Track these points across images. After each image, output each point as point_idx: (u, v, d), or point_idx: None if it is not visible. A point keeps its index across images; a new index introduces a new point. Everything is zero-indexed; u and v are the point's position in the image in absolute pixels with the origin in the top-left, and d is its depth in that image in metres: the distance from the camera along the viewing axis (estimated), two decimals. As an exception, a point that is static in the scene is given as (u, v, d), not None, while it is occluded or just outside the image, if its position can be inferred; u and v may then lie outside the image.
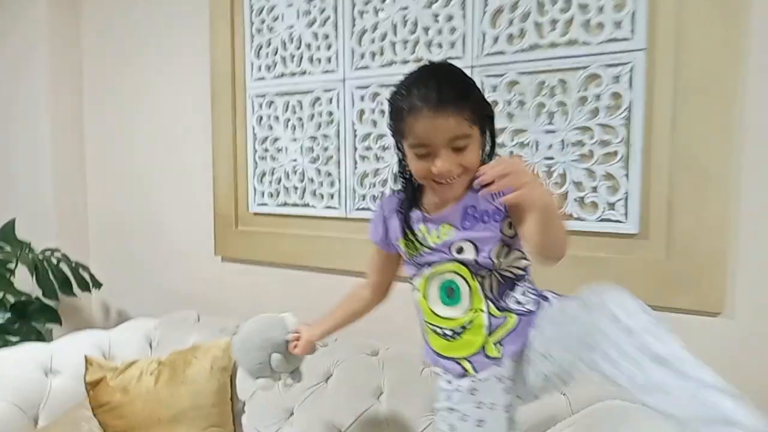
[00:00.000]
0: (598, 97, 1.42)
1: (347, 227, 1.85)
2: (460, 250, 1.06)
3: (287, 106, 1.94)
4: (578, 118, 1.45)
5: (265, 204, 2.03)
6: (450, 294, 1.09)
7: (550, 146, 1.49)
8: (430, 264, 1.10)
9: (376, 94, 1.76)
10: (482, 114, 1.03)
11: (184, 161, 2.22)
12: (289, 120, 1.95)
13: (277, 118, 1.97)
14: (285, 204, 1.98)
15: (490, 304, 1.05)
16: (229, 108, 2.05)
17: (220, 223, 2.12)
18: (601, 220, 1.45)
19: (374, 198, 1.78)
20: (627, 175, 1.40)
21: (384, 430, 1.50)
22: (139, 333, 1.93)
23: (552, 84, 1.47)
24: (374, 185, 1.78)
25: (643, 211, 1.39)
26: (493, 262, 1.03)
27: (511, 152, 1.54)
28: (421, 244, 1.09)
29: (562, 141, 1.47)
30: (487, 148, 1.07)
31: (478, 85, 1.09)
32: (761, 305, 1.27)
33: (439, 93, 0.98)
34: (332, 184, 1.87)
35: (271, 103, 1.98)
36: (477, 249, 1.04)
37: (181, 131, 2.22)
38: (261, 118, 2.01)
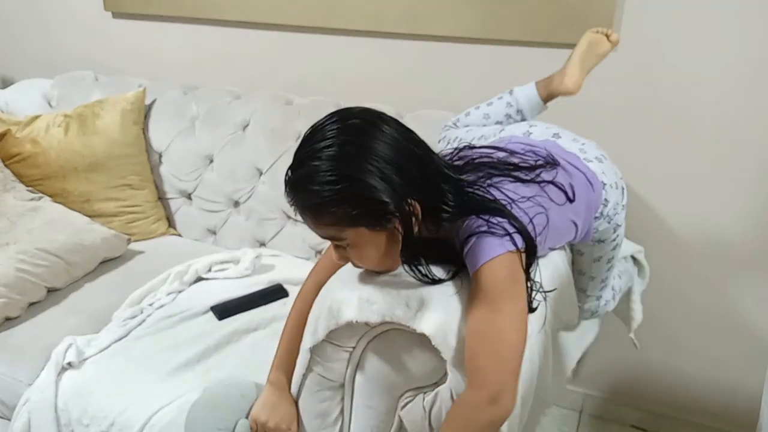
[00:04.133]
0: None
1: (253, -24, 1.76)
2: None
3: None
4: None
5: (158, -50, 1.85)
6: None
7: None
8: None
9: None
10: (372, 211, 0.80)
11: None
12: None
13: None
14: (181, -51, 1.82)
15: None
16: None
17: (105, -27, 1.92)
18: (509, -39, 1.50)
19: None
20: None
21: (303, 167, 1.61)
22: (36, 92, 1.84)
23: None
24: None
25: (548, -51, 1.45)
26: None
27: None
28: None
29: None
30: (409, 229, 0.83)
31: None
32: (642, 38, 1.43)
33: (294, 194, 0.83)
34: (233, -75, 1.73)
35: None
36: None
37: None
38: None
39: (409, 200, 0.81)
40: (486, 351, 0.79)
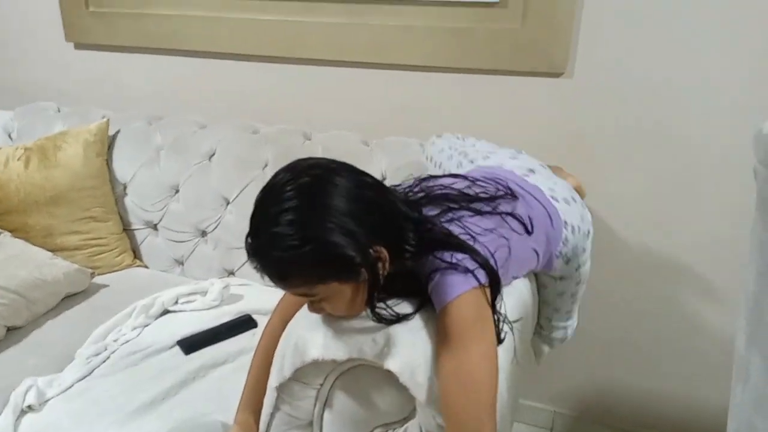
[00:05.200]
0: None
1: (220, 4, 1.76)
2: None
3: None
4: None
5: (119, -20, 1.84)
6: None
7: None
8: None
9: None
10: (340, 266, 0.80)
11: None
12: None
13: None
14: (143, -21, 1.82)
15: None
16: None
17: (66, 3, 1.90)
18: (468, -9, 1.54)
19: (243, -28, 1.69)
20: (494, -55, 1.47)
21: (270, 196, 1.61)
22: (-6, 124, 1.80)
23: None
24: (243, -43, 1.69)
25: (506, -19, 1.49)
26: None
27: None
28: None
29: None
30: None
31: None
32: (594, 65, 1.48)
33: (259, 261, 0.81)
34: (195, -44, 1.74)
35: None
36: None
37: None
38: None
39: (373, 248, 0.81)
40: (459, 392, 0.79)
